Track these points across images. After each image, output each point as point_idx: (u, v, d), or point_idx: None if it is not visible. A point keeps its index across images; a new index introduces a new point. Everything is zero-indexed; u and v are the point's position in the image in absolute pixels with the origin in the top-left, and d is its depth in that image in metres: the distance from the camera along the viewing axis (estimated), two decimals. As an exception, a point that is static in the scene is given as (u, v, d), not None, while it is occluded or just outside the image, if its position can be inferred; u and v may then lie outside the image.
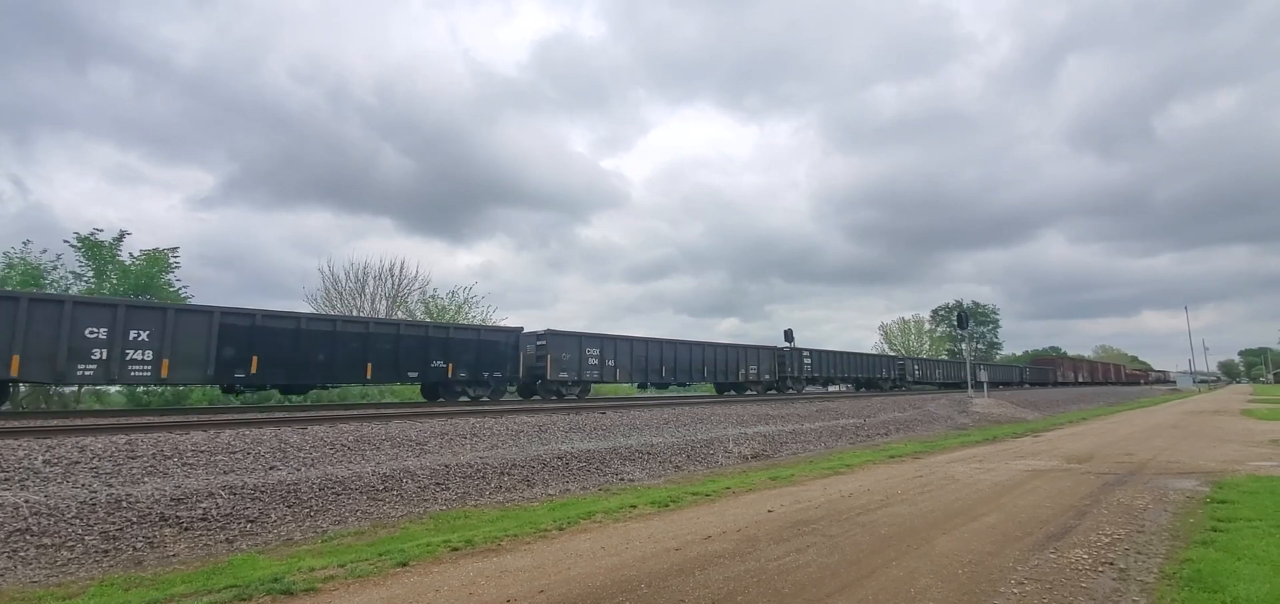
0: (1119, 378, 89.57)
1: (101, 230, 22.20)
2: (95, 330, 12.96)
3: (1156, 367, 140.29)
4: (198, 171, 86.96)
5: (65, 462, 7.55)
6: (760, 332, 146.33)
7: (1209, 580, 4.76)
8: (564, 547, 6.15)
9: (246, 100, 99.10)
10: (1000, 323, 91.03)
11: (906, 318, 78.09)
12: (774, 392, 29.75)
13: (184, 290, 23.39)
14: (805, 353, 32.74)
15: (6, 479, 6.99)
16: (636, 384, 25.39)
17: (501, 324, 20.31)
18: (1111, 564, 5.29)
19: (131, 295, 20.43)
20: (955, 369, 48.04)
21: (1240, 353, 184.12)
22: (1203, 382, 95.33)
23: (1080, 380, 69.23)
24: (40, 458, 7.51)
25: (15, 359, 12.09)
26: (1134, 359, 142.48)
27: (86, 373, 12.99)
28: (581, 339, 21.99)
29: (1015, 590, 4.65)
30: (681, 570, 5.20)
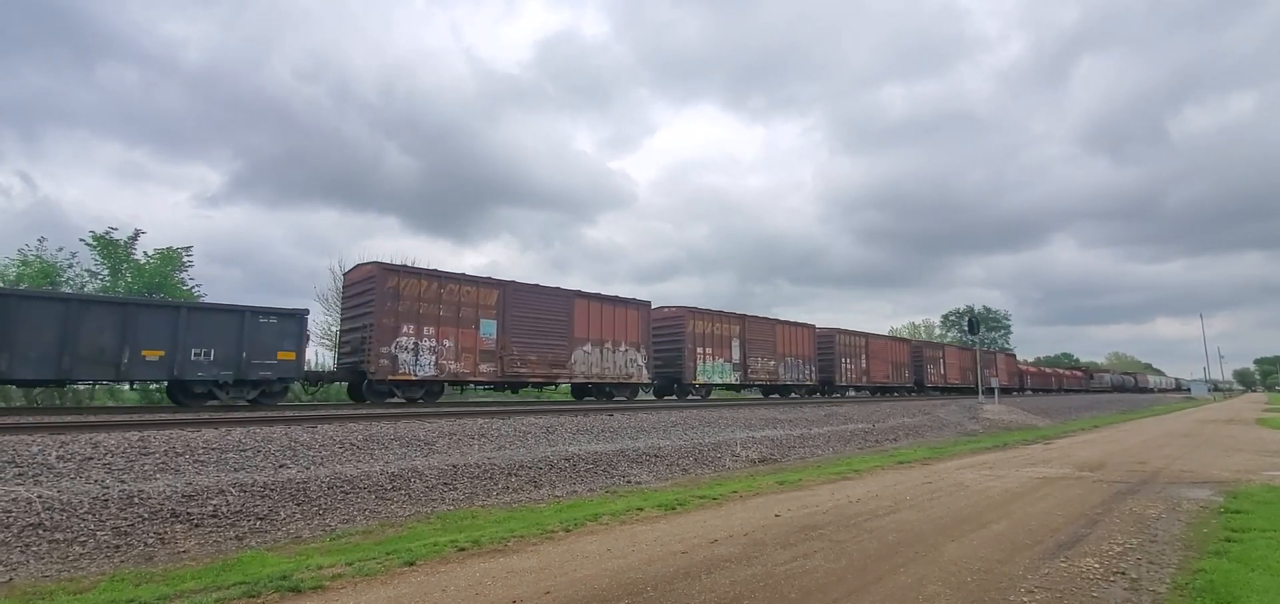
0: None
1: (115, 228, 22.46)
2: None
3: (1170, 373, 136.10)
4: (204, 169, 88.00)
5: (78, 457, 7.64)
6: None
7: (1222, 591, 4.69)
8: (570, 548, 6.15)
9: (251, 98, 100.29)
10: (1011, 328, 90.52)
11: (916, 322, 77.84)
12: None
13: (197, 289, 23.62)
14: None
15: (20, 474, 7.08)
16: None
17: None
18: (1123, 574, 5.23)
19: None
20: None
21: (1255, 361, 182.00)
22: (1216, 390, 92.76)
23: (926, 384, 39.04)
24: (54, 453, 7.60)
25: None
26: (1148, 366, 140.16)
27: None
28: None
29: (1025, 599, 4.61)
30: (687, 574, 5.20)
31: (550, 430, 12.88)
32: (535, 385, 18.59)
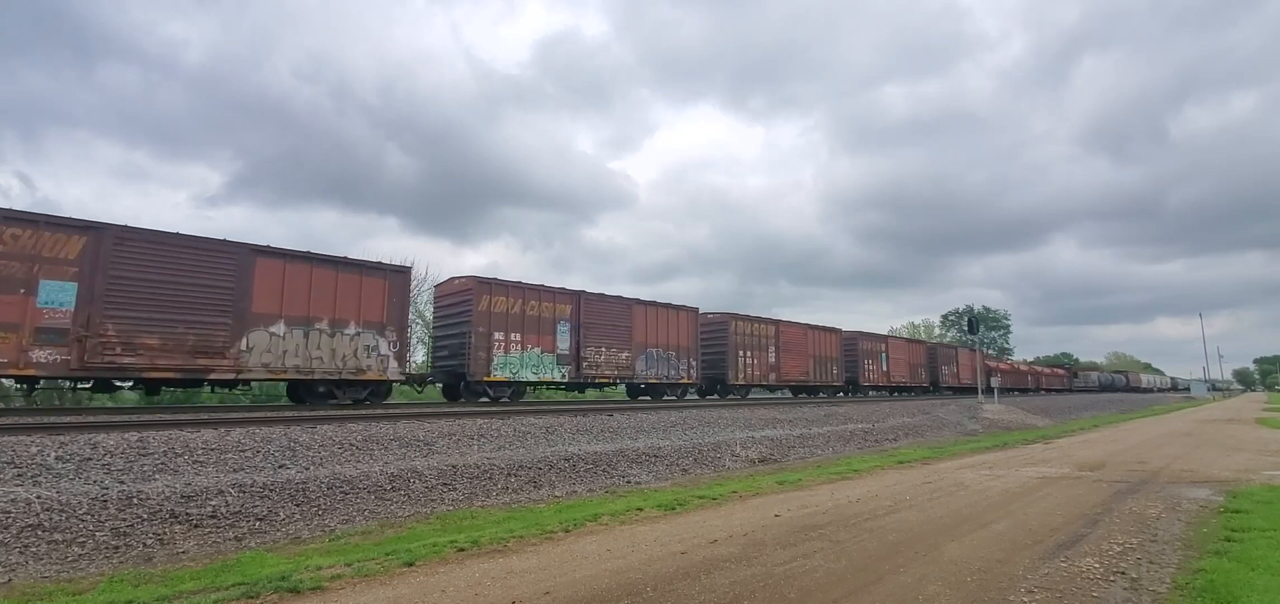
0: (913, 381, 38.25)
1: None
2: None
3: (1170, 373, 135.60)
4: (204, 169, 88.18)
5: (78, 458, 7.63)
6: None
7: (1222, 591, 4.69)
8: (569, 549, 6.15)
9: (252, 98, 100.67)
10: (1011, 328, 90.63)
11: (915, 322, 77.82)
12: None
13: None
14: None
15: (20, 475, 7.07)
16: None
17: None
18: (1123, 574, 5.22)
19: None
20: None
21: (1255, 361, 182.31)
22: (1215, 389, 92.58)
23: (861, 383, 32.76)
24: (53, 454, 7.59)
25: None
26: (1148, 366, 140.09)
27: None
28: None
29: (1025, 599, 4.60)
30: (687, 574, 5.19)
31: (550, 430, 12.88)
32: (164, 383, 12.75)
